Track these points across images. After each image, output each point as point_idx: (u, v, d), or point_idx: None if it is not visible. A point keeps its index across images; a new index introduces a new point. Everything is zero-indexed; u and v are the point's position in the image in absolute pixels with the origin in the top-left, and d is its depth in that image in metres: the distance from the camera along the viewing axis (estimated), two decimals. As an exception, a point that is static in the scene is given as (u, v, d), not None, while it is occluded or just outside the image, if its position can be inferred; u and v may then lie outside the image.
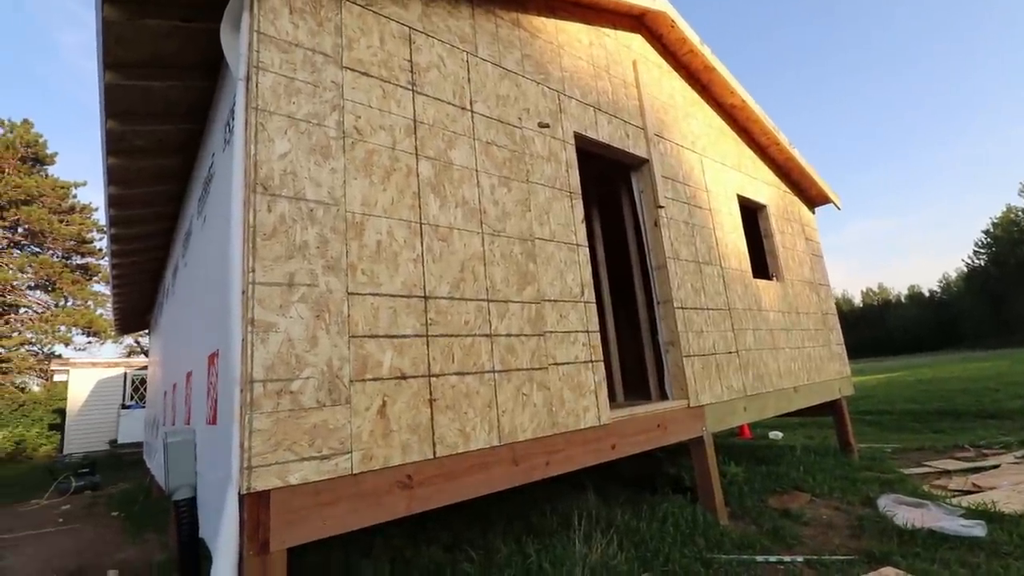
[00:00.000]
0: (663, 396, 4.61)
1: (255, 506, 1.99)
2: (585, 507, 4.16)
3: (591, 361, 3.60)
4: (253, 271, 2.18)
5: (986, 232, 58.02)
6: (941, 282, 71.61)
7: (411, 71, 3.09)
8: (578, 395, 3.43)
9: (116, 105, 3.56)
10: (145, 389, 14.35)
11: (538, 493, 4.60)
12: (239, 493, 1.98)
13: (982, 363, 22.47)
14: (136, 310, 10.31)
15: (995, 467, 5.64)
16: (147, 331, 13.84)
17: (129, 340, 25.86)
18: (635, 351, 6.09)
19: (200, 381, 3.40)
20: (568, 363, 3.43)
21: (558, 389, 3.30)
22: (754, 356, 5.36)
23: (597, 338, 3.71)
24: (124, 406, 14.11)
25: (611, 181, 5.86)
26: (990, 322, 53.14)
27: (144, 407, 13.04)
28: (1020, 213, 54.23)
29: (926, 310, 67.26)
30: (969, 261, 60.48)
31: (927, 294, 72.58)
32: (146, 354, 18.87)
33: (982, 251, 58.56)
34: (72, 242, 23.08)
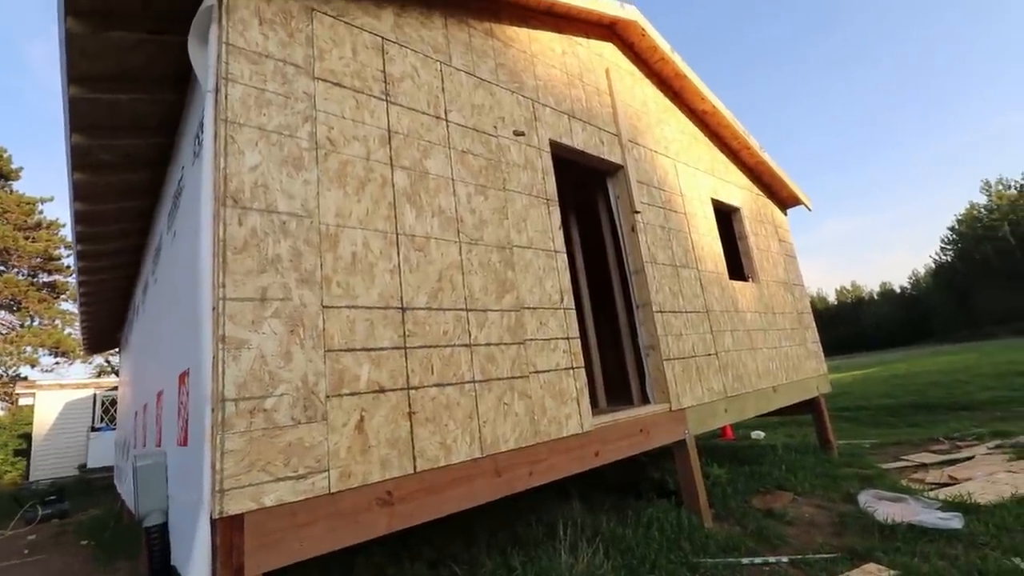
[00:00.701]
0: (645, 400, 4.63)
1: (228, 530, 1.92)
2: (570, 516, 4.14)
3: (572, 368, 3.59)
4: (224, 286, 2.12)
5: (951, 229, 59.61)
6: (911, 278, 73.50)
7: (384, 81, 3.07)
8: (560, 403, 3.41)
9: (81, 119, 3.46)
10: (116, 410, 13.88)
11: (523, 503, 4.56)
12: (211, 517, 1.92)
13: (952, 356, 23.14)
14: (105, 329, 9.99)
15: (969, 459, 5.79)
16: (117, 350, 13.44)
17: (99, 360, 25.06)
18: (616, 356, 6.11)
19: (171, 401, 3.30)
20: (549, 371, 3.42)
21: (540, 397, 3.29)
22: (733, 357, 5.43)
23: (578, 344, 3.71)
24: (94, 429, 13.61)
25: (588, 187, 5.90)
26: (958, 316, 54.77)
27: (115, 429, 12.60)
28: (982, 210, 56.12)
29: (898, 306, 68.86)
30: (937, 257, 62.24)
31: (898, 290, 74.38)
32: (117, 374, 18.29)
33: (948, 247, 60.16)
34: (39, 259, 22.32)
